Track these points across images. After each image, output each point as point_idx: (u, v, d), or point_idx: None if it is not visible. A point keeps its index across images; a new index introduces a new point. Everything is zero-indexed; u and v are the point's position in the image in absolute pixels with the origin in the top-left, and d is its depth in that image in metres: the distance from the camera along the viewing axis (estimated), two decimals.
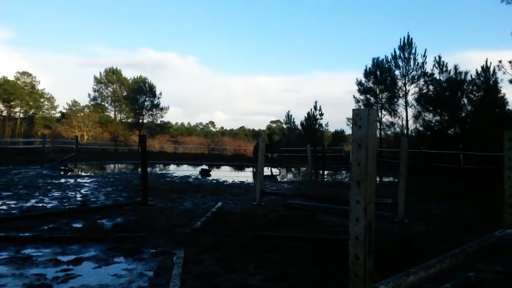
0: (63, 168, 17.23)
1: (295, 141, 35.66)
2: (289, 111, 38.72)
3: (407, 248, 4.89)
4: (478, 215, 7.40)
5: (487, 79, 21.85)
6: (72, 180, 12.48)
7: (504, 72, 19.22)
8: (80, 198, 8.64)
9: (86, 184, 11.53)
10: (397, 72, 28.36)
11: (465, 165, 14.80)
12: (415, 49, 27.32)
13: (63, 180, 12.44)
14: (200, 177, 15.65)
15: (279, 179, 16.53)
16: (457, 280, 3.42)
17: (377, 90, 29.51)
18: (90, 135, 41.13)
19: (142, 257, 4.26)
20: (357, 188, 1.90)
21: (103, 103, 43.13)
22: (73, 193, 9.56)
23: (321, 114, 35.34)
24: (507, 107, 19.54)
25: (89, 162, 23.27)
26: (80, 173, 16.51)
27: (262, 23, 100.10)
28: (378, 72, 29.28)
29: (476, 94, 21.67)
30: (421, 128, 23.08)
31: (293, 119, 37.71)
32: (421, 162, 16.70)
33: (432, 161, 16.71)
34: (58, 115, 48.69)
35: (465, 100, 21.58)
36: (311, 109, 35.50)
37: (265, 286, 3.41)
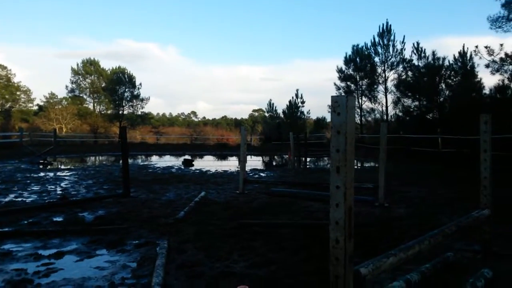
0: (42, 161, 16.89)
1: (277, 129, 35.74)
2: (271, 100, 38.79)
3: (388, 231, 4.99)
4: (456, 197, 7.59)
5: (464, 64, 22.22)
6: (51, 174, 12.26)
7: (480, 57, 19.53)
8: (60, 192, 8.50)
9: (66, 178, 11.34)
10: (376, 59, 28.60)
11: (443, 149, 15.12)
12: (394, 36, 27.58)
13: (42, 174, 12.21)
14: (183, 167, 15.58)
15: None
16: (436, 260, 3.51)
17: (357, 77, 29.72)
18: (69, 127, 40.30)
19: (125, 249, 4.24)
20: (336, 174, 1.92)
21: (81, 95, 42.19)
22: (53, 186, 9.40)
23: (303, 102, 35.51)
24: (484, 91, 19.92)
25: (68, 155, 22.87)
26: (59, 166, 16.21)
27: (243, 12, 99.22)
28: (358, 59, 29.45)
29: (454, 79, 22.03)
30: (400, 114, 23.39)
31: (275, 107, 37.79)
32: (400, 146, 16.99)
33: (412, 145, 17.01)
34: (36, 108, 47.47)
35: (443, 85, 21.92)
36: (292, 97, 35.64)
37: (249, 273, 3.44)
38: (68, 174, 12.43)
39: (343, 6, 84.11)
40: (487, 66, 19.34)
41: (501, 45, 18.97)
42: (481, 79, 21.50)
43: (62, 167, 15.89)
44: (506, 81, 18.12)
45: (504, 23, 19.09)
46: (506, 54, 18.91)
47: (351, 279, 1.93)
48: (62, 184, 9.81)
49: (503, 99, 16.50)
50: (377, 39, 28.17)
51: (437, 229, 3.04)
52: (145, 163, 18.40)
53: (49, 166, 15.66)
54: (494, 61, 19.13)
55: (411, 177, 11.16)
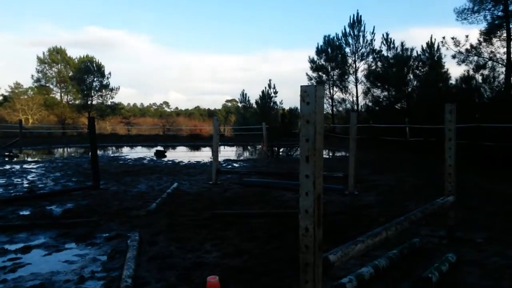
0: (7, 154, 16.27)
1: (251, 119, 35.77)
2: (243, 90, 38.76)
3: (358, 218, 5.11)
4: (423, 184, 7.84)
5: (431, 55, 22.81)
6: (17, 166, 11.85)
7: (447, 48, 20.13)
8: (27, 185, 8.24)
9: (33, 170, 10.99)
10: (347, 50, 28.94)
11: (411, 138, 15.53)
12: (364, 27, 27.95)
13: (8, 167, 11.78)
14: (155, 158, 15.38)
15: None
16: (403, 246, 3.63)
17: (329, 68, 30.01)
18: (35, 118, 38.95)
19: (94, 242, 4.17)
20: (306, 164, 1.94)
21: (47, 85, 40.72)
22: (19, 179, 9.10)
23: (276, 92, 35.54)
24: (450, 82, 20.54)
25: (35, 147, 22.15)
26: (26, 158, 15.67)
27: (216, 1, 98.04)
28: (329, 50, 29.70)
29: (422, 70, 22.60)
30: (370, 104, 23.85)
31: (248, 97, 37.71)
32: (370, 136, 17.33)
33: (381, 135, 17.39)
34: (0, 98, 45.64)
35: (411, 76, 22.46)
36: (265, 87, 35.57)
37: (222, 263, 3.46)
38: (35, 166, 12.04)
39: None
40: (453, 57, 19.94)
41: (467, 36, 19.57)
42: (447, 69, 22.20)
43: (29, 159, 15.38)
44: (472, 72, 18.73)
45: (469, 15, 19.69)
46: (471, 45, 19.55)
47: (320, 266, 1.97)
48: (29, 177, 9.51)
49: (468, 89, 17.05)
50: (347, 29, 28.49)
51: (404, 216, 3.14)
52: (116, 154, 18.05)
53: (15, 159, 15.12)
54: (460, 52, 19.73)
55: (381, 165, 11.43)
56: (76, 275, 3.21)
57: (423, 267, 3.24)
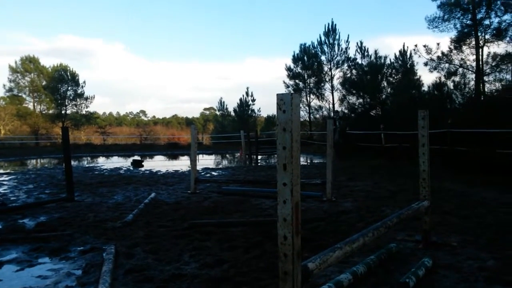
0: None
1: (229, 127, 35.74)
2: (221, 98, 38.76)
3: (336, 225, 5.15)
4: (399, 189, 7.98)
5: (404, 62, 23.43)
6: None
7: (419, 56, 20.75)
8: None
9: (5, 182, 10.64)
10: (323, 58, 29.42)
11: (386, 144, 15.82)
12: (339, 35, 28.50)
13: None
14: (132, 168, 15.13)
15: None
16: (380, 251, 3.67)
17: (305, 75, 30.39)
18: (7, 129, 37.81)
19: (69, 256, 4.05)
20: (283, 171, 1.94)
21: (20, 94, 39.67)
22: None
23: (253, 100, 35.72)
24: (423, 89, 21.10)
25: (7, 159, 21.48)
26: None
27: (192, 9, 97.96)
28: (305, 58, 30.10)
29: (395, 77, 23.17)
30: (346, 111, 24.22)
31: (226, 105, 37.72)
32: (347, 143, 17.55)
33: (357, 141, 17.64)
34: None
35: (385, 83, 23.00)
36: (243, 95, 35.74)
37: (201, 274, 3.41)
38: (7, 178, 11.66)
39: (292, 5, 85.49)
40: (425, 64, 20.56)
41: (438, 44, 20.24)
42: (420, 76, 22.87)
43: (0, 171, 14.88)
44: (443, 79, 19.32)
45: (440, 23, 20.36)
46: (442, 53, 20.19)
47: (300, 274, 1.96)
48: (0, 190, 9.19)
49: (440, 96, 17.55)
50: (323, 38, 28.97)
51: (380, 221, 3.18)
52: (91, 165, 17.68)
53: None
54: (432, 60, 20.35)
55: (357, 171, 11.58)
56: None
57: (400, 272, 3.28)
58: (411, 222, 4.73)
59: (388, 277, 3.23)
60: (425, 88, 21.09)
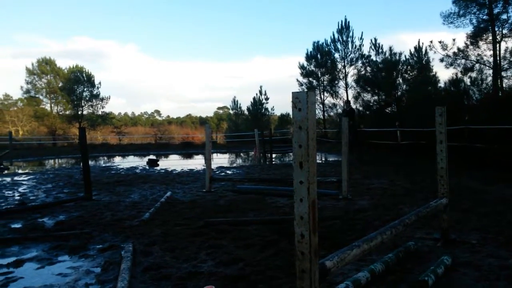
0: None
1: (243, 126, 35.82)
2: (235, 97, 38.88)
3: (352, 223, 5.12)
4: (416, 187, 7.88)
5: (420, 59, 23.11)
6: (8, 179, 11.70)
7: (435, 52, 20.43)
8: (18, 197, 8.13)
9: (24, 182, 10.86)
10: (336, 55, 29.22)
11: (402, 141, 15.64)
12: (353, 32, 28.27)
13: None
14: (147, 167, 15.29)
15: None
16: (398, 249, 3.63)
17: (319, 73, 30.23)
18: (25, 130, 38.60)
19: (88, 254, 4.12)
20: (299, 169, 1.94)
21: (37, 96, 40.41)
22: (10, 192, 8.98)
23: (267, 99, 35.75)
24: (439, 85, 20.80)
25: (26, 159, 21.91)
26: (16, 170, 15.49)
27: (204, 9, 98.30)
28: (319, 56, 29.94)
29: (410, 74, 22.88)
30: (361, 108, 24.03)
31: (240, 104, 37.81)
32: (362, 140, 17.42)
33: (372, 139, 17.50)
34: None
35: (400, 80, 22.72)
36: (256, 94, 35.81)
37: (217, 272, 3.43)
38: (26, 178, 11.90)
39: (305, 3, 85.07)
40: (441, 60, 20.24)
41: (454, 40, 19.90)
42: (436, 73, 22.53)
43: (20, 171, 15.19)
44: (460, 75, 18.98)
45: (455, 19, 20.02)
46: (458, 49, 19.84)
47: (317, 273, 1.96)
48: (20, 189, 9.39)
49: (457, 92, 17.26)
50: (336, 35, 28.77)
51: (398, 219, 3.15)
52: (108, 164, 17.91)
53: (5, 171, 14.93)
54: (448, 56, 20.03)
55: (373, 169, 11.48)
56: None
57: (418, 270, 3.25)
58: (429, 220, 4.67)
59: (406, 275, 3.20)
60: (441, 84, 20.80)
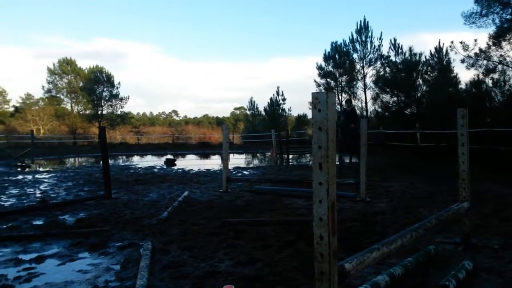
0: (19, 164, 16.49)
1: (259, 126, 35.84)
2: (252, 97, 38.95)
3: (371, 225, 5.06)
4: (435, 190, 7.75)
5: (440, 60, 22.69)
6: (30, 176, 11.98)
7: (456, 53, 19.97)
8: (40, 195, 8.32)
9: (45, 180, 11.10)
10: (355, 56, 28.88)
11: (421, 143, 15.41)
12: (372, 32, 27.92)
13: (20, 177, 11.92)
14: (165, 167, 15.45)
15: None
16: (418, 253, 3.58)
17: (337, 74, 29.96)
18: (47, 129, 39.46)
19: (107, 251, 4.18)
20: (319, 171, 1.94)
21: (58, 95, 41.30)
22: (31, 189, 9.19)
23: (284, 99, 35.68)
24: (460, 86, 20.38)
25: (47, 157, 22.39)
26: (38, 168, 15.86)
27: (222, 10, 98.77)
28: (337, 56, 29.68)
29: (431, 75, 22.47)
30: (379, 109, 23.71)
31: (257, 105, 37.83)
32: (380, 142, 17.24)
33: (391, 140, 17.28)
34: (12, 109, 46.37)
35: (420, 81, 22.34)
36: (273, 95, 35.77)
37: (235, 272, 3.44)
38: (47, 176, 12.17)
39: (322, 2, 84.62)
40: (462, 61, 19.78)
41: (475, 40, 19.40)
42: (457, 74, 22.03)
43: (41, 169, 15.55)
44: (481, 76, 18.56)
45: (477, 19, 19.54)
46: (480, 49, 19.39)
47: (336, 275, 1.95)
48: (41, 187, 9.60)
49: (478, 94, 16.90)
50: (355, 35, 28.47)
51: (418, 222, 3.10)
52: (126, 163, 18.16)
53: (27, 169, 15.30)
54: (469, 56, 19.57)
55: (392, 171, 11.34)
56: (90, 285, 3.22)
57: (439, 275, 3.19)
58: (450, 224, 4.59)
59: (426, 279, 3.15)
60: (462, 85, 20.34)
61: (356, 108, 11.84)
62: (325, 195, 1.92)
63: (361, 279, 3.10)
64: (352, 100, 12.71)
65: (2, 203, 7.33)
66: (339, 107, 24.21)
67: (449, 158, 9.62)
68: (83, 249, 4.29)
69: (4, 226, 5.38)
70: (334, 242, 1.95)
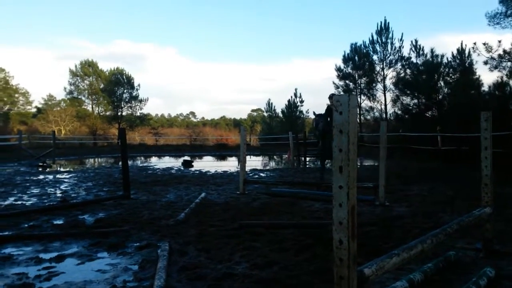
0: (41, 164, 16.86)
1: (276, 128, 35.79)
2: (269, 99, 38.89)
3: (390, 230, 4.98)
4: (457, 195, 7.58)
5: (462, 61, 22.24)
6: (51, 176, 12.23)
7: (478, 54, 19.55)
8: (60, 194, 8.48)
9: (66, 180, 11.32)
10: (375, 57, 28.63)
11: (443, 147, 15.11)
12: (392, 34, 27.63)
13: (41, 177, 12.19)
14: (182, 168, 15.57)
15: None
16: (438, 259, 3.50)
17: (356, 76, 29.72)
18: (68, 129, 40.26)
19: (126, 251, 4.22)
20: (339, 174, 1.91)
21: (79, 97, 42.09)
22: (52, 189, 9.38)
23: (302, 101, 35.59)
24: (483, 89, 19.95)
25: (67, 157, 22.84)
26: (59, 168, 16.19)
27: (239, 12, 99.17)
28: (356, 58, 29.45)
29: (452, 77, 22.05)
30: (399, 112, 23.39)
31: (274, 107, 37.85)
32: (400, 145, 16.98)
33: (411, 143, 17.01)
34: (34, 110, 47.48)
35: (442, 83, 21.95)
36: (291, 97, 35.74)
37: (252, 274, 3.42)
38: (67, 176, 12.40)
39: (341, 4, 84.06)
40: (485, 63, 19.34)
41: (499, 41, 18.95)
42: (479, 76, 21.56)
43: (62, 169, 15.87)
44: (505, 78, 18.11)
45: (502, 19, 19.07)
46: (504, 51, 18.92)
47: (355, 280, 1.92)
48: (62, 187, 9.79)
49: (502, 96, 16.50)
50: (375, 37, 28.21)
51: (438, 228, 3.03)
52: (145, 164, 18.38)
53: (48, 169, 15.64)
54: (492, 58, 19.12)
55: (411, 175, 11.16)
56: (108, 285, 3.25)
57: (459, 281, 3.11)
58: (471, 230, 4.47)
59: (447, 286, 3.08)
60: (485, 88, 19.90)
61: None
62: (345, 199, 1.89)
63: (380, 284, 3.04)
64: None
65: (24, 202, 7.50)
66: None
67: (471, 162, 9.41)
68: (102, 249, 4.34)
69: (26, 225, 5.50)
70: (354, 247, 1.91)
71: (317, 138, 9.20)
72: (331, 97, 9.76)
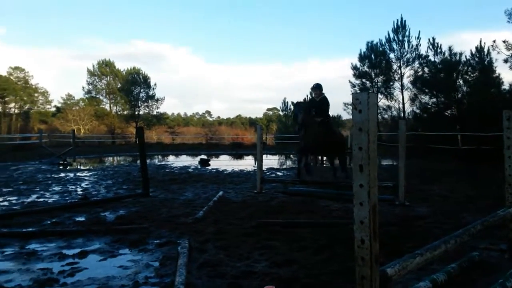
0: (61, 162, 17.20)
1: (292, 127, 35.65)
2: (285, 98, 38.80)
3: (411, 230, 4.93)
4: (478, 195, 7.45)
5: (481, 59, 21.77)
6: (71, 174, 12.46)
7: (498, 52, 19.18)
8: (81, 192, 8.64)
9: (86, 178, 11.52)
10: (391, 55, 28.18)
11: (463, 146, 14.86)
12: (409, 32, 27.15)
13: (62, 175, 12.43)
14: (199, 166, 15.67)
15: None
16: (462, 260, 3.46)
17: (373, 74, 29.34)
18: (87, 128, 40.94)
19: (146, 248, 4.29)
20: (360, 173, 1.90)
21: (97, 96, 42.71)
22: (73, 187, 9.56)
23: None
24: (503, 87, 19.54)
25: (87, 156, 23.22)
26: (79, 167, 16.48)
27: (253, 11, 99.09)
28: (373, 56, 29.05)
29: (472, 75, 21.61)
30: (417, 111, 23.06)
31: (290, 105, 37.67)
32: (419, 144, 16.74)
33: (430, 143, 16.76)
34: (53, 109, 48.44)
35: (461, 81, 21.54)
36: (306, 95, 35.45)
37: (271, 272, 3.44)
38: (87, 174, 12.62)
39: (357, 2, 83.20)
40: (505, 61, 18.95)
41: None
42: (499, 74, 21.06)
43: (82, 167, 16.16)
44: None
45: None
46: None
47: (378, 280, 1.91)
48: (83, 185, 9.97)
49: None
50: (391, 35, 27.79)
51: (461, 228, 2.99)
52: (162, 163, 18.56)
53: (68, 167, 15.93)
54: None
55: (431, 175, 11.00)
56: (131, 281, 3.31)
57: (484, 282, 3.07)
58: (494, 230, 4.40)
59: (471, 287, 3.03)
60: (505, 86, 19.49)
61: (326, 97, 7.39)
62: (366, 198, 1.89)
63: (402, 284, 3.02)
64: (322, 87, 8.92)
65: (46, 200, 7.67)
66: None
67: (492, 162, 9.23)
68: (123, 245, 4.41)
69: (49, 222, 5.63)
70: (376, 246, 1.91)
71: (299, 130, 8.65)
72: (314, 87, 9.03)
